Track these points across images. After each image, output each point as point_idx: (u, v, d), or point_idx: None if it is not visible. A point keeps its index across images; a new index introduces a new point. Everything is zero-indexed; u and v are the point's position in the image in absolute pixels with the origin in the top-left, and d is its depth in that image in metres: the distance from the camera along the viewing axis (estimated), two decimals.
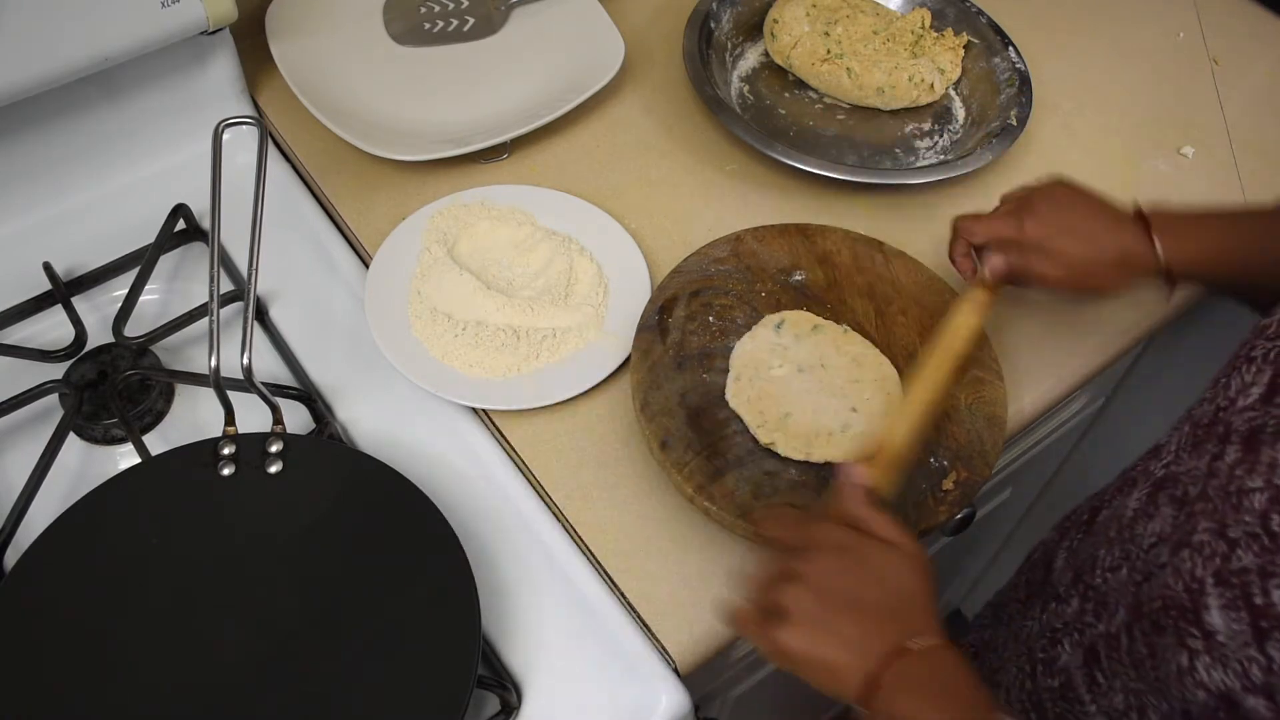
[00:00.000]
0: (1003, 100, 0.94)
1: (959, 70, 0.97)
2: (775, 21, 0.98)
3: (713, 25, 0.98)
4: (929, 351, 0.70)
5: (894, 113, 0.97)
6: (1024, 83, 0.95)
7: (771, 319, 0.76)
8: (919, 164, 0.93)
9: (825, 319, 0.76)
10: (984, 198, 0.91)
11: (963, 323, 0.72)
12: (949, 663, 0.53)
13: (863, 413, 0.71)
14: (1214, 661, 0.49)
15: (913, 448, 0.66)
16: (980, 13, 1.00)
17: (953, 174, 0.88)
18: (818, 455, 0.69)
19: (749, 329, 0.75)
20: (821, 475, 0.69)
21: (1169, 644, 0.52)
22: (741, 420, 0.71)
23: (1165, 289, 0.71)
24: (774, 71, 1.00)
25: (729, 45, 0.99)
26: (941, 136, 0.95)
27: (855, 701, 0.52)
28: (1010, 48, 0.97)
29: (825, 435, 0.70)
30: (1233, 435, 0.54)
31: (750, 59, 1.01)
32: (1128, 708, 0.59)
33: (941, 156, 0.93)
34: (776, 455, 0.69)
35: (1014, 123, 0.91)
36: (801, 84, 0.99)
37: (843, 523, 0.57)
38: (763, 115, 0.96)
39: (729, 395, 0.72)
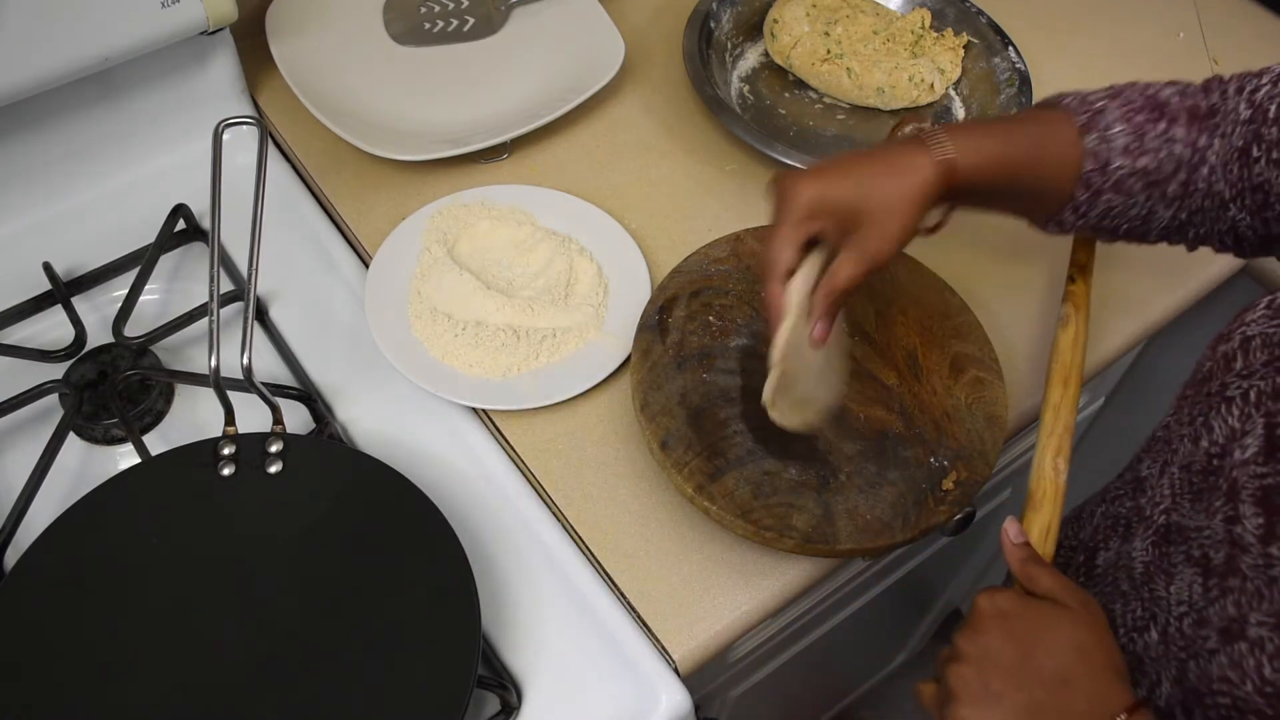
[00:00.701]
0: (1003, 100, 0.94)
1: (959, 70, 0.97)
2: (775, 21, 0.98)
3: (713, 25, 0.98)
4: (1050, 376, 0.70)
5: (894, 113, 0.97)
6: (1024, 83, 0.94)
7: None
8: None
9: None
10: None
11: (1062, 339, 0.71)
12: None
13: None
14: None
15: (1064, 474, 0.65)
16: (980, 13, 1.00)
17: None
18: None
19: (749, 329, 0.75)
20: (821, 476, 0.69)
21: None
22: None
23: (944, 210, 0.68)
24: (774, 71, 1.00)
25: (729, 45, 0.99)
26: None
27: None
28: (1010, 48, 0.97)
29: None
30: (1242, 494, 0.53)
31: (750, 59, 1.01)
32: None
33: None
34: (776, 455, 0.69)
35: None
36: (801, 84, 0.99)
37: (1015, 588, 0.57)
38: (763, 115, 0.96)
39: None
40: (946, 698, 0.54)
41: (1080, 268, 0.76)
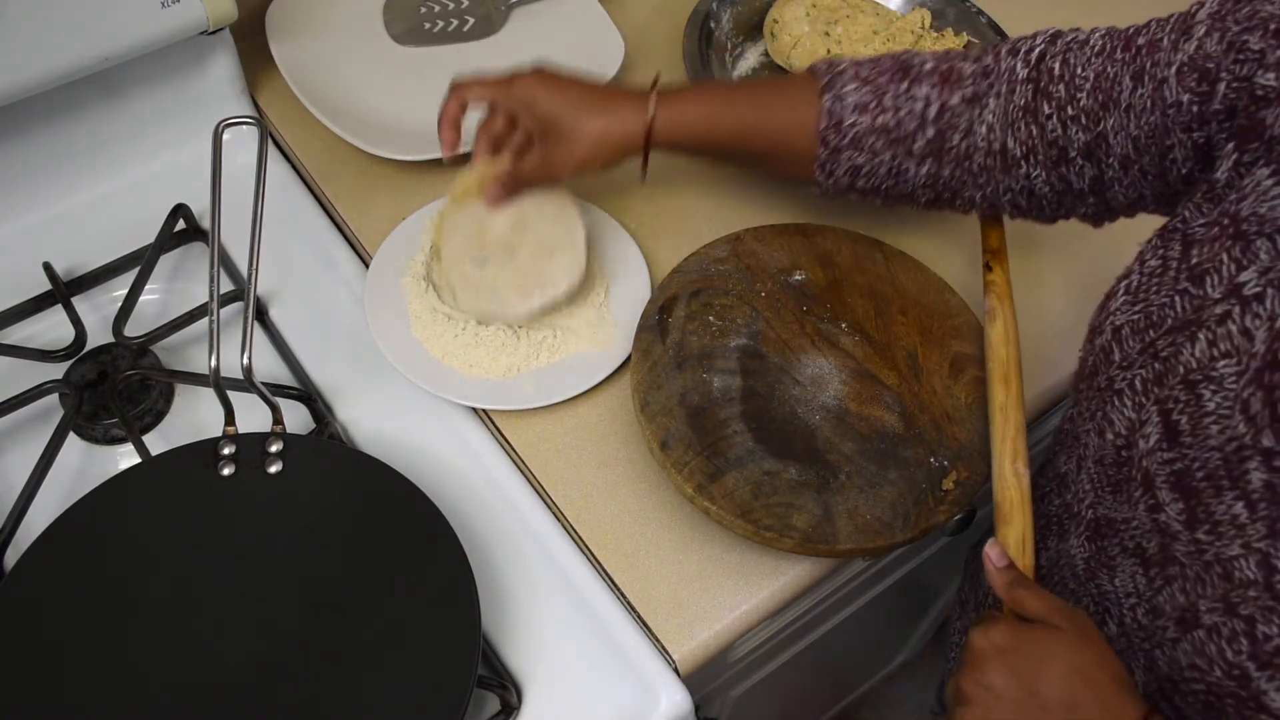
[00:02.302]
0: None
1: None
2: (775, 21, 0.98)
3: (713, 25, 0.97)
4: (990, 377, 0.70)
5: None
6: None
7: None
8: None
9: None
10: None
11: (993, 334, 0.72)
12: None
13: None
14: None
15: (1026, 478, 0.65)
16: (980, 13, 1.00)
17: None
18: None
19: (749, 329, 0.75)
20: (821, 476, 0.69)
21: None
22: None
23: (642, 161, 0.71)
24: (774, 71, 1.00)
25: (729, 45, 0.99)
26: None
27: None
28: None
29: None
30: (1156, 481, 0.53)
31: (750, 59, 1.01)
32: None
33: None
34: (776, 455, 0.69)
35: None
36: None
37: (1006, 615, 0.57)
38: None
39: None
40: None
41: (994, 254, 0.76)
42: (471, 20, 0.98)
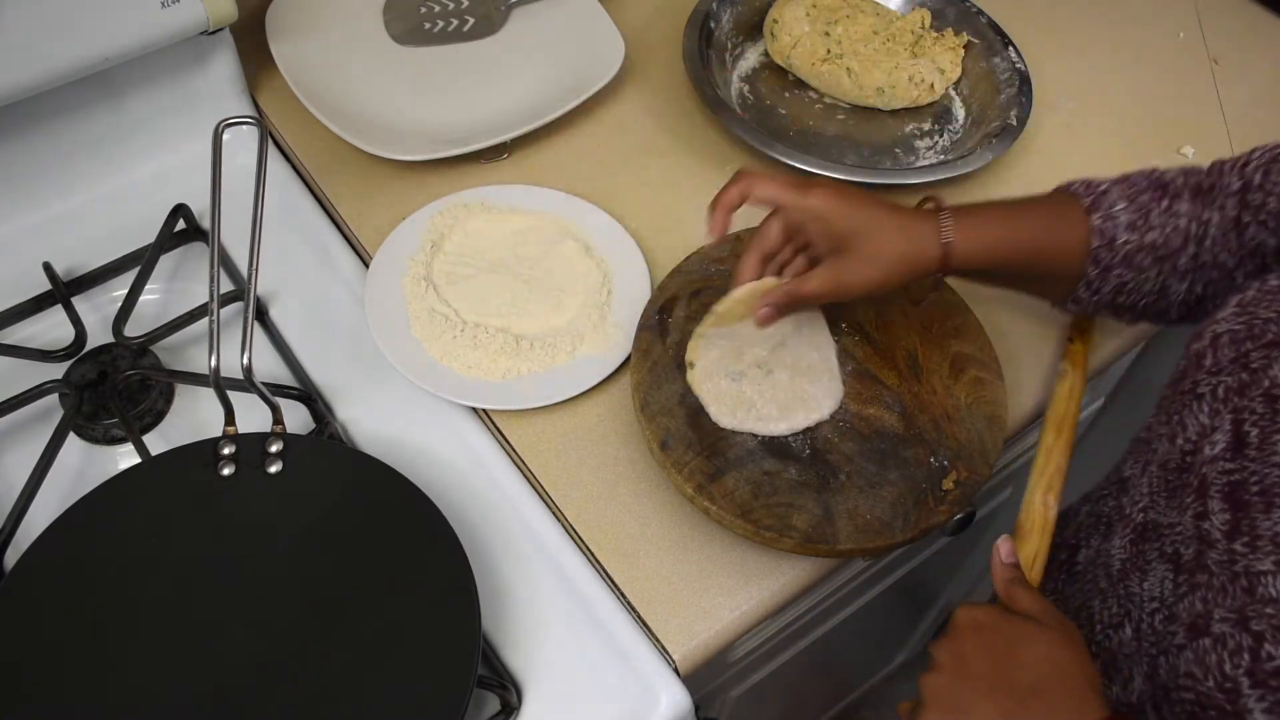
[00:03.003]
0: (1003, 100, 0.94)
1: (959, 70, 0.97)
2: (775, 21, 0.98)
3: (713, 25, 0.98)
4: (1045, 422, 0.74)
5: (894, 113, 0.97)
6: (1024, 82, 0.95)
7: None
8: (919, 164, 0.93)
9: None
10: (984, 198, 0.91)
11: (1059, 390, 0.75)
12: None
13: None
14: None
15: (1054, 510, 0.67)
16: (980, 12, 1.00)
17: (953, 174, 0.88)
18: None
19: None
20: (821, 475, 0.69)
21: None
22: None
23: (932, 284, 0.73)
24: (774, 71, 1.00)
25: (729, 45, 0.99)
26: (942, 136, 0.95)
27: None
28: (1010, 48, 0.97)
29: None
30: (1211, 490, 0.53)
31: (750, 59, 1.01)
32: None
33: (942, 156, 0.93)
34: (776, 455, 0.69)
35: (1014, 122, 0.91)
36: (801, 84, 0.99)
37: (997, 605, 0.58)
38: (763, 115, 0.96)
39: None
40: (918, 705, 0.55)
41: (1080, 330, 0.80)
42: (471, 20, 0.98)
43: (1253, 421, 0.53)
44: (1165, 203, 0.68)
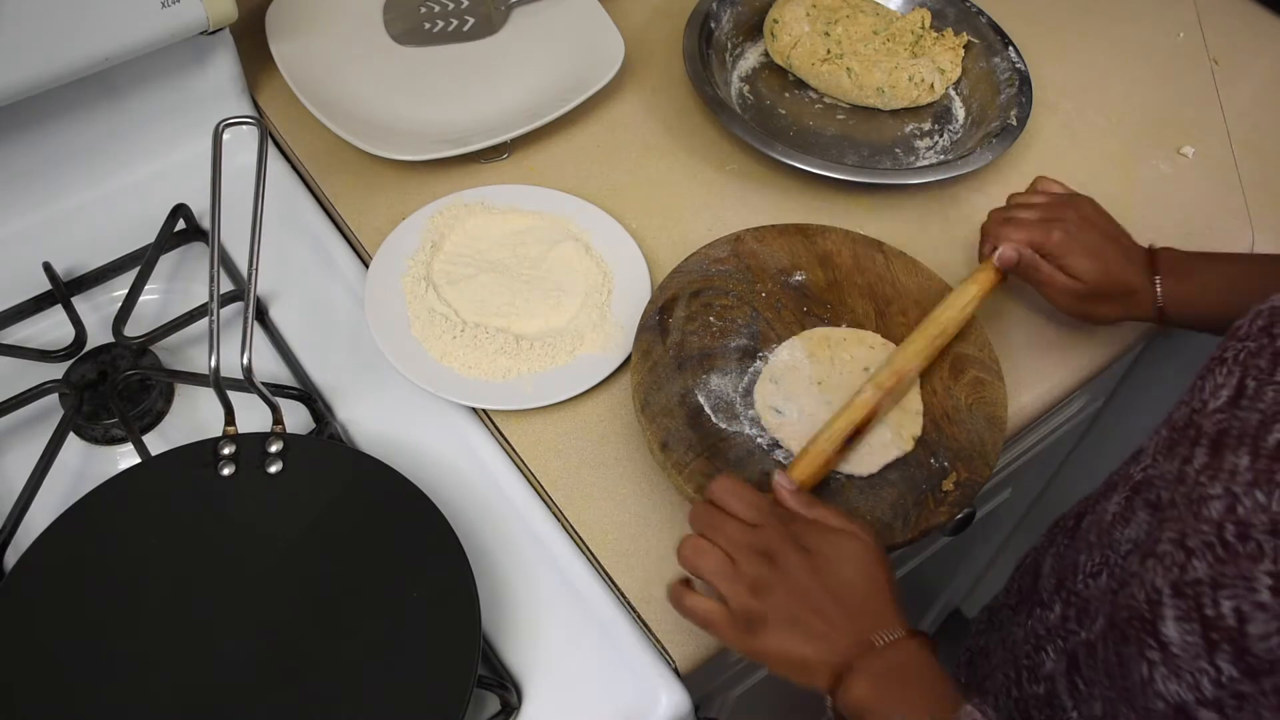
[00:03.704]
0: (1002, 100, 0.94)
1: (959, 70, 0.97)
2: (775, 21, 0.98)
3: (713, 25, 0.98)
4: (913, 332, 0.73)
5: (894, 113, 0.97)
6: (1024, 83, 0.95)
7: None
8: (919, 164, 0.93)
9: (830, 323, 0.76)
10: (984, 198, 0.91)
11: (953, 304, 0.74)
12: (912, 654, 0.55)
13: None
14: (1170, 673, 0.48)
15: (845, 437, 0.68)
16: (980, 12, 1.00)
17: (953, 174, 0.88)
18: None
19: (749, 329, 0.75)
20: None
21: (1132, 654, 0.51)
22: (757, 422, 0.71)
23: (1157, 327, 0.75)
24: (774, 71, 1.00)
25: (729, 45, 0.99)
26: (941, 136, 0.95)
27: (824, 691, 0.56)
28: (1010, 48, 0.97)
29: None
30: (1202, 438, 0.54)
31: (750, 59, 1.01)
32: (1104, 715, 0.59)
33: (941, 156, 0.93)
34: (777, 457, 0.69)
35: (1014, 122, 0.91)
36: (801, 84, 0.99)
37: (795, 520, 0.60)
38: (763, 115, 0.96)
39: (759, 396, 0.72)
40: (758, 622, 0.57)
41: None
42: (471, 20, 0.98)
43: (1254, 375, 0.54)
44: None
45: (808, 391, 0.72)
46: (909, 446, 0.70)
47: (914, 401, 0.72)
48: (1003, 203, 0.80)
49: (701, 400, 0.71)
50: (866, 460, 0.69)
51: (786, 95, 0.98)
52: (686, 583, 0.61)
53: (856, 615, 0.56)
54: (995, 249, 0.76)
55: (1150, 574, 0.51)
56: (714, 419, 0.71)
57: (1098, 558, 0.63)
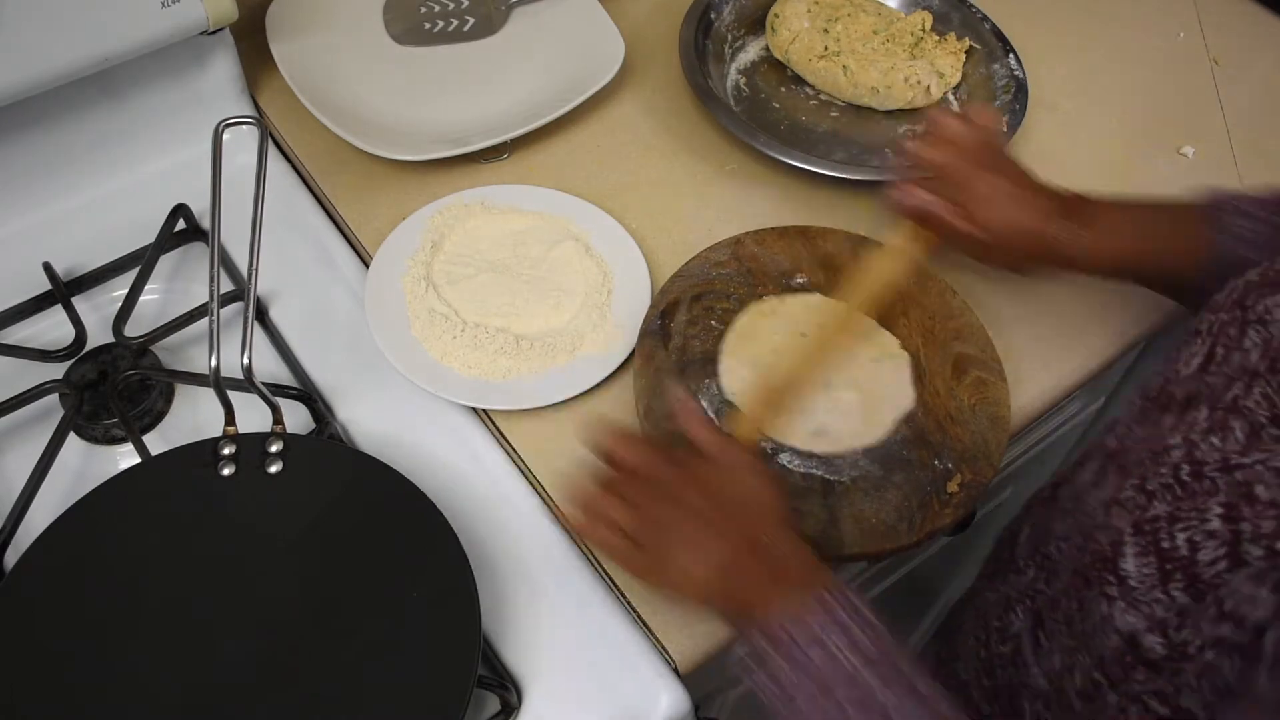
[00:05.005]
0: (997, 107, 0.94)
1: (959, 75, 0.97)
2: (776, 16, 0.98)
3: (713, 16, 0.98)
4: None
5: (889, 114, 0.97)
6: (1020, 90, 0.94)
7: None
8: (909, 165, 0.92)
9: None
10: None
11: (880, 268, 0.74)
12: (793, 550, 0.59)
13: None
14: (1127, 606, 0.51)
15: (793, 392, 0.70)
16: (985, 18, 0.99)
17: None
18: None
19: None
20: (825, 480, 0.69)
21: (1094, 596, 0.54)
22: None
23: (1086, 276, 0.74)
24: (773, 66, 1.00)
25: (729, 37, 1.00)
26: None
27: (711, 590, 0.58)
28: (1010, 54, 0.97)
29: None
30: (1173, 405, 0.57)
31: (751, 52, 1.01)
32: (1063, 668, 0.61)
33: None
34: (781, 460, 0.69)
35: (1003, 129, 0.91)
36: (800, 80, 0.99)
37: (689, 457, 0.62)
38: (757, 108, 0.96)
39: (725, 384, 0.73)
40: (633, 548, 0.59)
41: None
42: (471, 20, 0.98)
43: (1224, 343, 0.56)
44: None
45: (770, 360, 0.73)
46: (910, 402, 0.72)
47: (890, 344, 0.74)
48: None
49: (704, 404, 0.71)
50: (874, 427, 0.71)
51: (783, 90, 0.98)
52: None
53: (740, 526, 0.59)
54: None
55: (1115, 520, 0.54)
56: (717, 423, 0.71)
57: (1070, 522, 0.63)
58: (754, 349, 0.74)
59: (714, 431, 0.63)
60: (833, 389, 0.72)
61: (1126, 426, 0.62)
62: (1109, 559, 0.53)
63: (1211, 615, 0.48)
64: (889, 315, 0.77)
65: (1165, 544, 0.50)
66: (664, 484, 0.60)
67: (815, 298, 0.77)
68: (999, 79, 0.96)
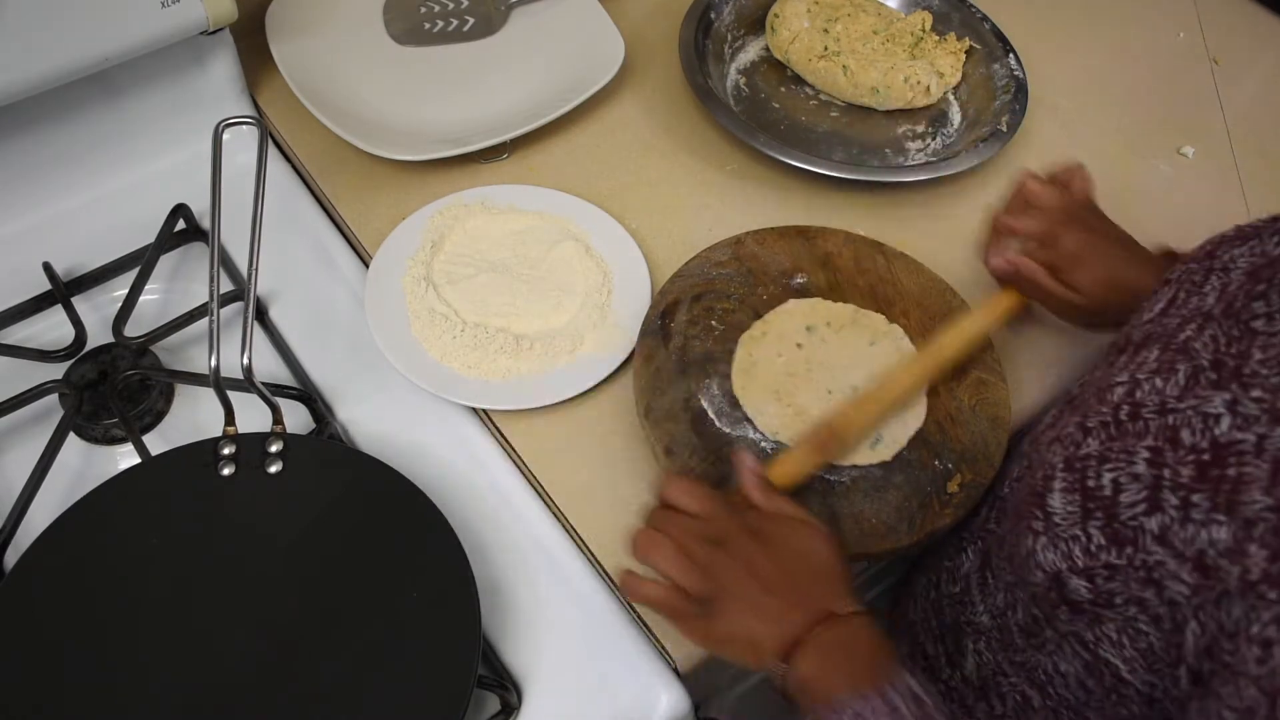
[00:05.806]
0: (997, 106, 0.94)
1: (958, 75, 0.97)
2: (776, 16, 0.98)
3: (713, 16, 0.98)
4: (923, 346, 0.73)
5: (889, 114, 0.97)
6: (1020, 90, 0.94)
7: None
8: (907, 164, 0.92)
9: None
10: (985, 198, 0.91)
11: (966, 325, 0.73)
12: (859, 629, 0.56)
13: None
14: (1049, 542, 0.52)
15: (859, 437, 0.69)
16: (985, 19, 0.99)
17: (938, 174, 0.88)
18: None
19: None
20: (826, 480, 0.69)
21: (1022, 530, 0.54)
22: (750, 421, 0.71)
23: None
24: (773, 66, 1.00)
25: (729, 37, 1.00)
26: (934, 139, 0.95)
27: (774, 668, 0.56)
28: (1011, 54, 0.97)
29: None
30: (1129, 346, 0.57)
31: (751, 52, 1.01)
32: (1006, 605, 0.61)
33: (930, 159, 0.93)
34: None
35: (1003, 129, 0.91)
36: (800, 80, 0.99)
37: (748, 508, 0.61)
38: (756, 108, 0.96)
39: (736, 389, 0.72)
40: (708, 607, 0.57)
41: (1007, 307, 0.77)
42: (471, 20, 0.98)
43: (1185, 289, 0.56)
44: None
45: (788, 383, 0.72)
46: (920, 422, 0.72)
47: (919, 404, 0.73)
48: (1002, 203, 0.80)
49: (705, 404, 0.71)
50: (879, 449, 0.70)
51: (783, 90, 0.98)
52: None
53: (806, 593, 0.57)
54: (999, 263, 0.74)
55: (1050, 455, 0.55)
56: (717, 423, 0.71)
57: (1024, 464, 0.64)
58: (763, 377, 0.73)
59: (773, 492, 0.62)
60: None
61: (1089, 371, 0.62)
62: (1040, 494, 0.53)
63: (1140, 578, 0.48)
64: (889, 315, 0.77)
65: (1091, 482, 0.51)
66: (723, 535, 0.59)
67: (791, 304, 0.77)
68: (999, 79, 0.96)
